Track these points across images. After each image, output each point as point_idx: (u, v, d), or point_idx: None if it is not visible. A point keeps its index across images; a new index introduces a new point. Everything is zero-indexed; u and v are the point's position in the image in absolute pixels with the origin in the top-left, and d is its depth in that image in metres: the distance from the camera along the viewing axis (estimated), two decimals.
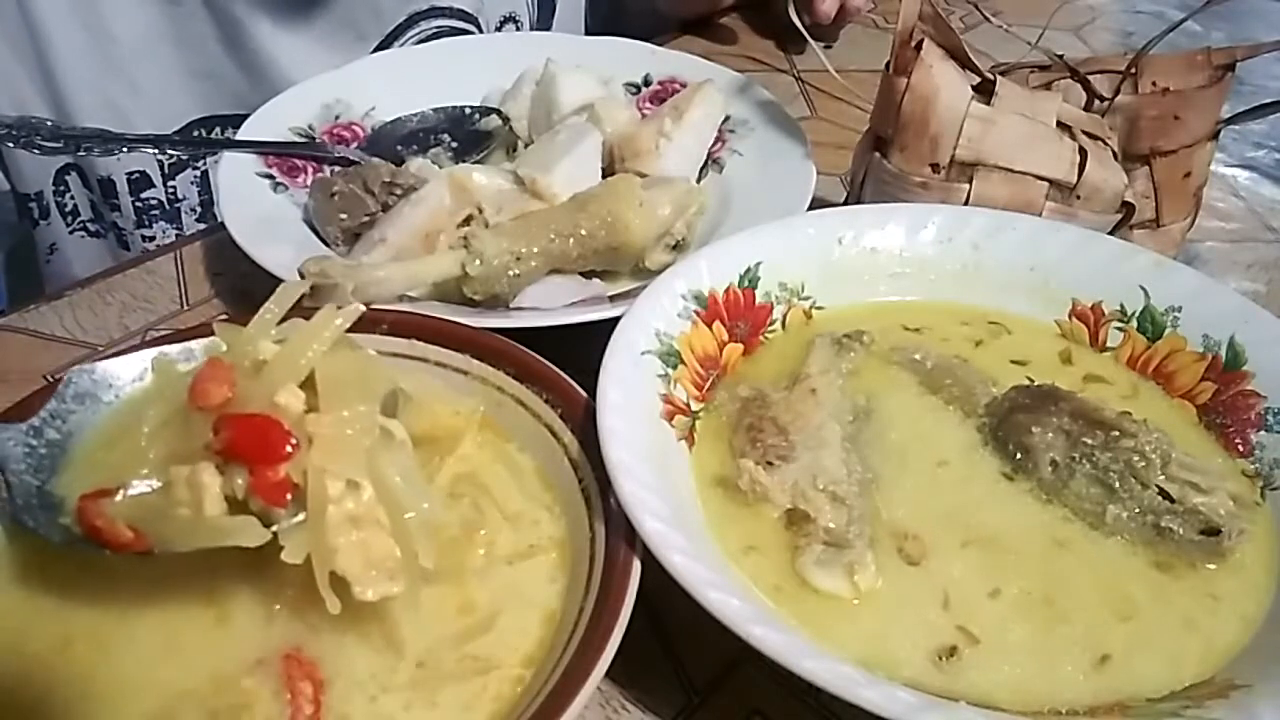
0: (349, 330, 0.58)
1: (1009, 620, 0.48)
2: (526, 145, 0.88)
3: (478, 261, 0.66)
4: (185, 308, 0.75)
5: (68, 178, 0.95)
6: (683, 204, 0.73)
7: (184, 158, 0.97)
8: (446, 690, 0.46)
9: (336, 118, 0.88)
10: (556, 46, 0.94)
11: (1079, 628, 0.48)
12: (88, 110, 0.90)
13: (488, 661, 0.47)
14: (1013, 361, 0.64)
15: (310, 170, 0.83)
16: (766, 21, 1.18)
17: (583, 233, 0.69)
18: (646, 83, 0.94)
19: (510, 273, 0.67)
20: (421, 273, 0.67)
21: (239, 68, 0.95)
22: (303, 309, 0.52)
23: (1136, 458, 0.53)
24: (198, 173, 0.99)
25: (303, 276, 0.61)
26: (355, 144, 0.87)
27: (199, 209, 1.00)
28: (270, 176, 0.81)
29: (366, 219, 0.74)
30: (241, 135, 0.82)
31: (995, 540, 0.52)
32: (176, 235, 0.99)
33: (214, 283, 0.77)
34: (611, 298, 0.70)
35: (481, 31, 1.06)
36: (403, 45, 1.01)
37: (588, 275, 0.72)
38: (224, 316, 0.72)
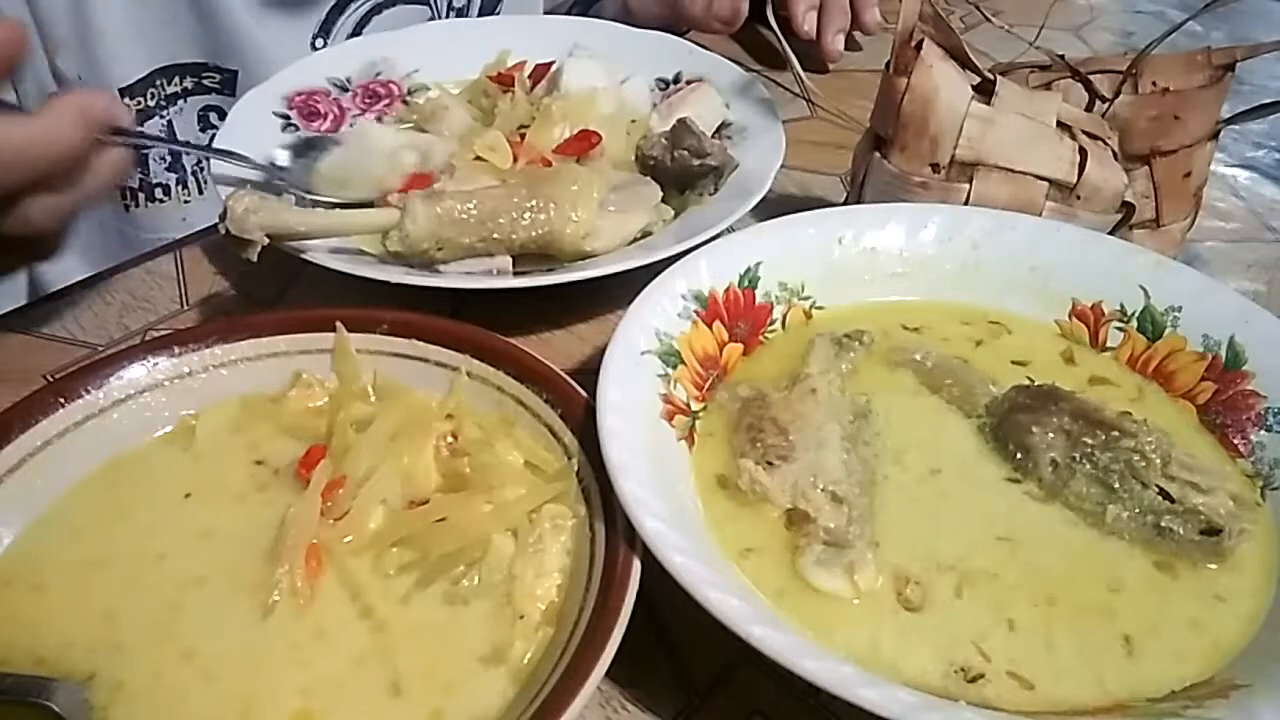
0: (352, 330, 0.59)
1: (1015, 624, 0.48)
2: None
3: (403, 235, 0.67)
4: (185, 308, 0.75)
5: None
6: (641, 213, 0.74)
7: (154, 104, 0.96)
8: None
9: (377, 74, 0.91)
10: (600, 32, 0.97)
11: (1081, 629, 0.48)
12: (67, 49, 0.89)
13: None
14: (1013, 362, 0.64)
15: (331, 117, 0.86)
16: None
17: (524, 221, 0.69)
18: (675, 80, 0.94)
19: (434, 252, 0.68)
20: (347, 225, 0.69)
21: (198, 18, 0.95)
22: (230, 237, 0.62)
23: (1136, 458, 0.53)
24: (164, 121, 0.97)
25: (223, 214, 0.63)
26: (387, 100, 0.90)
27: (168, 158, 0.99)
28: (285, 116, 0.83)
29: None
30: (281, 78, 0.86)
31: (998, 543, 0.52)
32: (141, 179, 0.98)
33: (214, 283, 0.77)
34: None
35: (434, 11, 1.07)
36: (349, 14, 1.02)
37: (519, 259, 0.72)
38: (225, 317, 0.71)
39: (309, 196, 0.76)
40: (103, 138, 0.58)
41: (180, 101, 0.97)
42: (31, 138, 0.54)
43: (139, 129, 0.61)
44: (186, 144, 0.88)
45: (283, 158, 0.80)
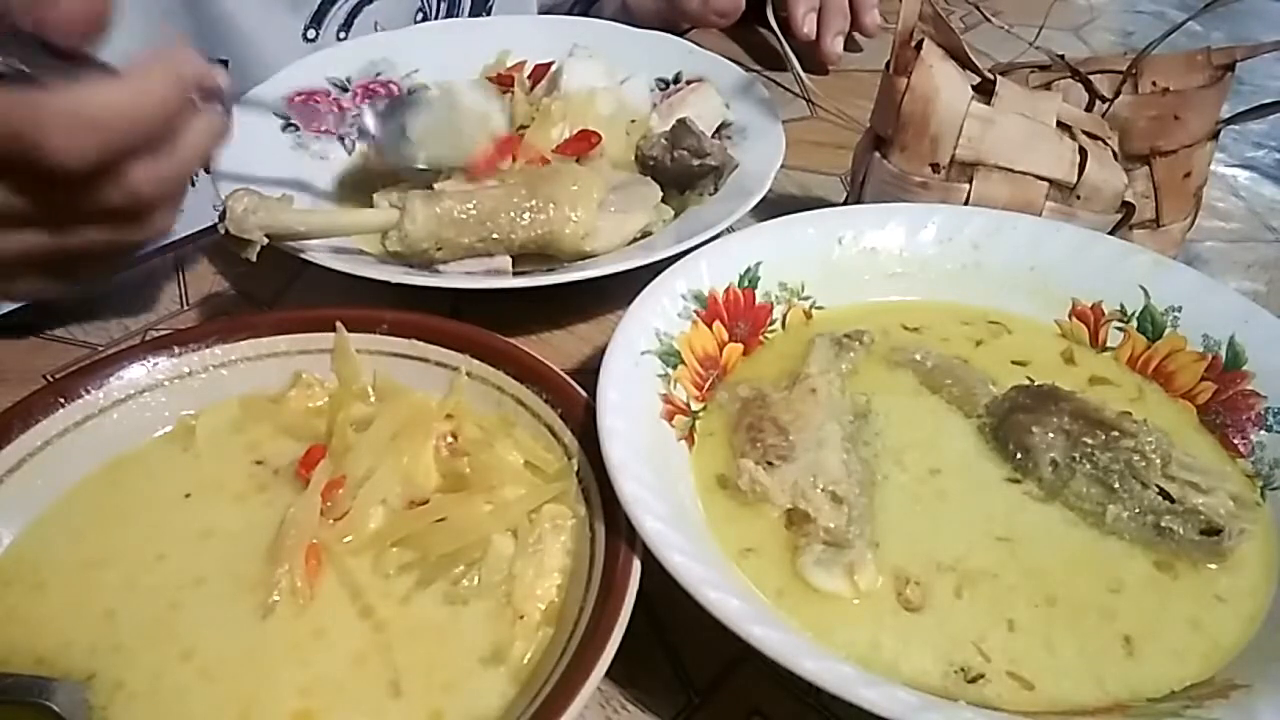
0: (352, 330, 0.59)
1: (1015, 624, 0.48)
2: None
3: (402, 235, 0.67)
4: (185, 308, 0.75)
5: None
6: (641, 213, 0.74)
7: None
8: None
9: (377, 74, 0.91)
10: (600, 32, 0.97)
11: (1081, 629, 0.48)
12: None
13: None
14: (1013, 362, 0.64)
15: (331, 118, 0.86)
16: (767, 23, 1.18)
17: (524, 221, 0.69)
18: (675, 80, 0.94)
19: (434, 252, 0.68)
20: (347, 225, 0.69)
21: (188, 9, 0.94)
22: (229, 237, 0.62)
23: (1136, 458, 0.53)
24: None
25: (223, 214, 0.63)
26: (385, 97, 0.90)
27: None
28: (285, 117, 0.83)
29: None
30: (280, 78, 0.86)
31: (998, 543, 0.52)
32: None
33: (214, 283, 0.77)
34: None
35: (424, 3, 1.07)
36: (340, 4, 1.01)
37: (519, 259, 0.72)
38: (225, 317, 0.71)
39: (406, 166, 0.76)
40: (197, 101, 0.56)
41: None
42: (124, 99, 0.52)
43: (227, 89, 0.61)
44: (275, 108, 0.86)
45: (372, 123, 0.80)
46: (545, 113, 0.83)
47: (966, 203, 0.70)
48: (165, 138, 0.55)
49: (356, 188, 0.82)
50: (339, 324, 0.60)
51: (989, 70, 0.71)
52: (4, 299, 0.68)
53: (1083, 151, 0.69)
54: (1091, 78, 0.73)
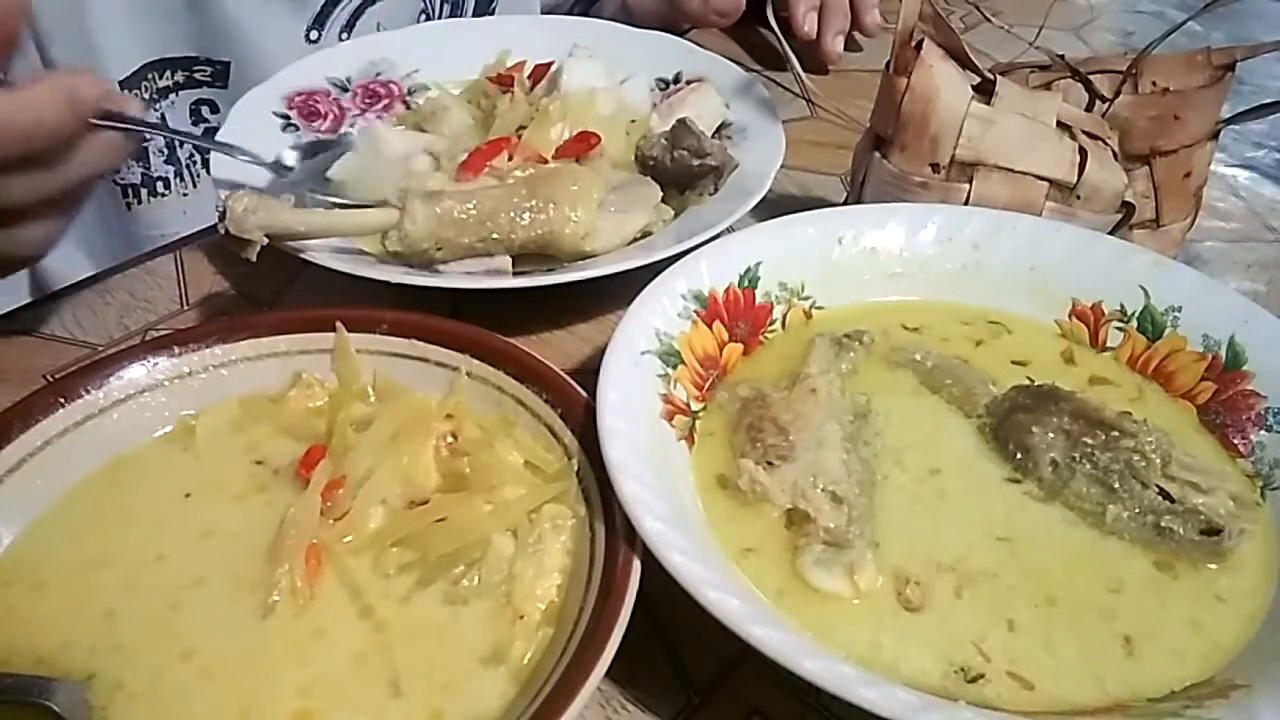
0: (352, 330, 0.59)
1: (1015, 624, 0.48)
2: None
3: (402, 235, 0.67)
4: (185, 307, 0.75)
5: None
6: (640, 213, 0.74)
7: (145, 98, 0.95)
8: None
9: (377, 74, 0.92)
10: (600, 32, 0.97)
11: (1081, 629, 0.48)
12: (61, 42, 0.87)
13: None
14: (1013, 362, 0.64)
15: (331, 117, 0.87)
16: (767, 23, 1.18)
17: (524, 221, 0.69)
18: (675, 80, 0.94)
19: (434, 252, 0.68)
20: (347, 226, 0.69)
21: (190, 10, 0.94)
22: (229, 237, 0.62)
23: (1136, 458, 0.53)
24: (157, 114, 0.97)
25: (223, 214, 0.62)
26: (387, 100, 0.91)
27: (165, 150, 0.98)
28: (285, 116, 0.84)
29: None
30: (280, 78, 0.86)
31: (998, 543, 0.52)
32: (143, 174, 0.97)
33: (214, 283, 0.77)
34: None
35: (427, 5, 1.07)
36: (343, 5, 1.01)
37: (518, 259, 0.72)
38: (225, 317, 0.71)
39: (316, 197, 0.76)
40: (95, 121, 0.56)
41: (172, 95, 0.96)
42: (10, 116, 0.52)
43: (133, 115, 0.60)
44: (183, 133, 0.89)
45: (290, 158, 0.79)
46: (544, 113, 0.83)
47: (966, 203, 0.70)
48: (49, 154, 0.55)
49: None
50: (339, 324, 0.60)
51: (989, 70, 0.71)
52: None
53: (1083, 151, 0.69)
54: (1091, 78, 0.73)
